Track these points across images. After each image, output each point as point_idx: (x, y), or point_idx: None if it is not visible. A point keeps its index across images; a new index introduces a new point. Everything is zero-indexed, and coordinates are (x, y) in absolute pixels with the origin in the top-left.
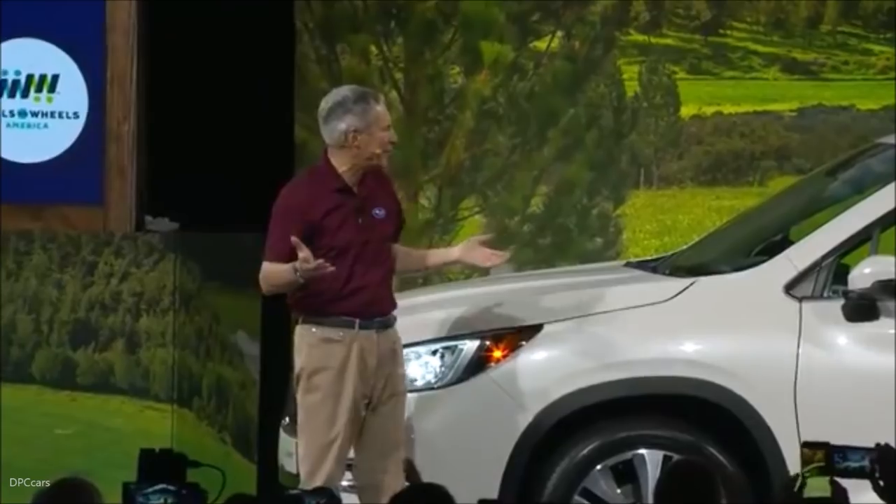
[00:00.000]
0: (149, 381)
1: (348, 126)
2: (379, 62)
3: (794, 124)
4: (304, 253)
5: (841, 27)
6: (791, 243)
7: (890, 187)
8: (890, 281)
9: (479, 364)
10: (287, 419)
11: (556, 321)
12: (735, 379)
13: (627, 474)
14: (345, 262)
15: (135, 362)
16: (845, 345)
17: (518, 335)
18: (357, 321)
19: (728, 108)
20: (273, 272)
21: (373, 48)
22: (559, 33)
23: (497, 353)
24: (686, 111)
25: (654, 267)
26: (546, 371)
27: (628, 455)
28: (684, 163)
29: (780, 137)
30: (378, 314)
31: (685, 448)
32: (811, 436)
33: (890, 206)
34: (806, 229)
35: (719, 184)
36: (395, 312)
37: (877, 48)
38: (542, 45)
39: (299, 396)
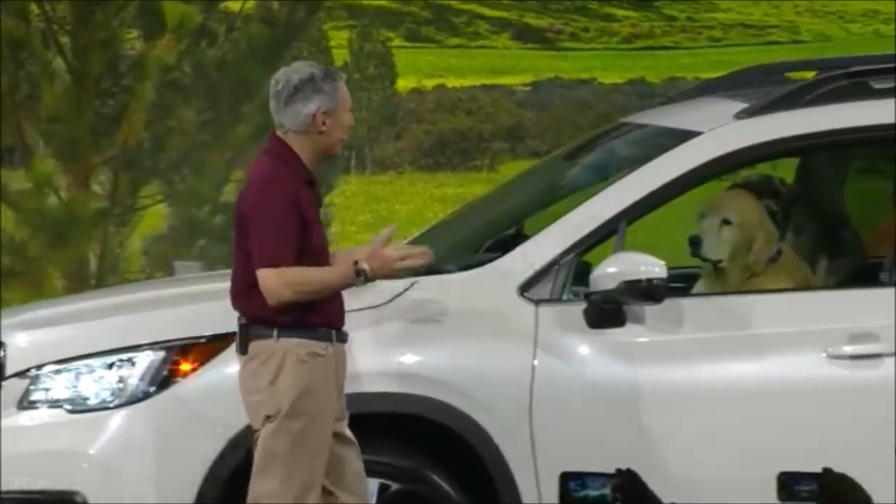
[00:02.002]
0: None
1: (318, 107)
2: (41, 23)
3: (528, 100)
4: (398, 251)
5: None
6: (526, 238)
7: (638, 173)
8: (638, 281)
9: (163, 379)
10: None
11: None
12: (462, 395)
13: None
14: (321, 266)
15: None
16: (588, 355)
17: (210, 345)
18: (334, 333)
19: (452, 81)
20: (306, 278)
21: (33, 7)
22: None
23: (185, 366)
24: (404, 84)
25: None
26: None
27: None
28: (402, 144)
29: (512, 115)
30: (343, 325)
31: (405, 476)
32: (550, 461)
33: (638, 195)
34: (543, 222)
35: (443, 168)
36: (61, 319)
37: (620, 13)
38: (234, 5)
39: (274, 426)
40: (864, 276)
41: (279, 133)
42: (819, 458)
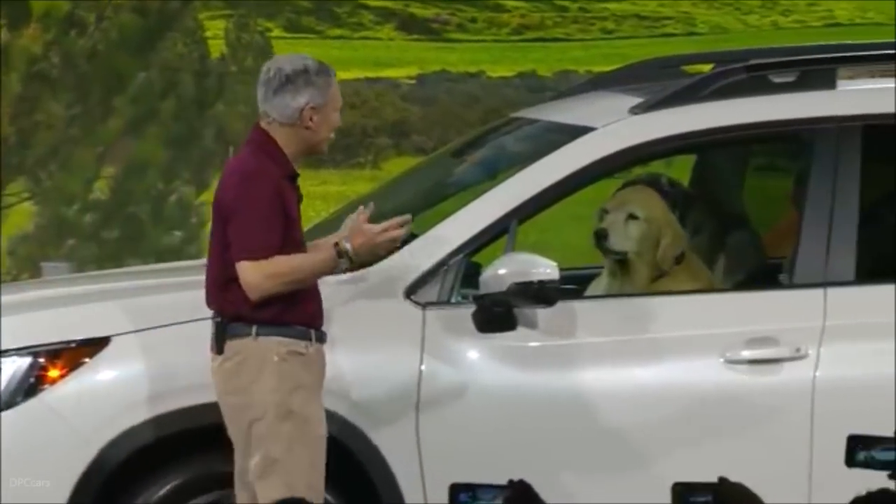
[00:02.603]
0: None
1: (307, 101)
2: None
3: (414, 94)
4: (378, 225)
5: None
6: (413, 237)
7: (529, 170)
8: (529, 283)
9: (30, 386)
10: None
11: (126, 333)
12: (345, 403)
13: None
14: None
15: None
16: (477, 360)
17: (79, 350)
18: (313, 332)
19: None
20: (289, 267)
21: None
22: None
23: (53, 373)
24: None
25: None
26: (114, 394)
27: (216, 495)
28: None
29: (397, 110)
30: (322, 325)
31: None
32: (438, 471)
33: (529, 193)
34: (430, 221)
35: (325, 166)
36: None
37: (509, 3)
38: None
39: (269, 427)
40: (763, 277)
41: (263, 124)
42: (715, 467)
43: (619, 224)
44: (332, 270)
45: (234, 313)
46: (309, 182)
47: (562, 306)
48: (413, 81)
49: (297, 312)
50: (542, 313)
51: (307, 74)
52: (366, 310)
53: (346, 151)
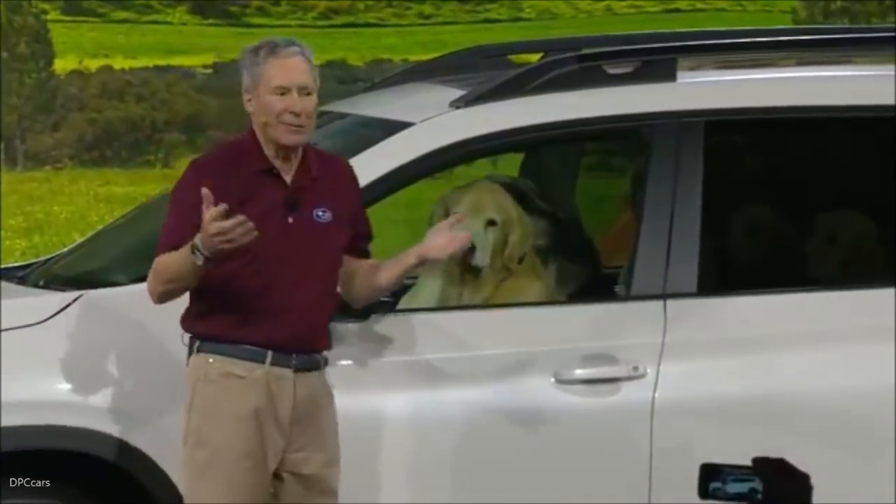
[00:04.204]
0: None
1: (245, 84)
2: None
3: (210, 84)
4: (216, 211)
5: None
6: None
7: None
8: (339, 294)
9: None
10: None
11: None
12: (131, 427)
13: None
14: (262, 272)
15: None
16: None
17: None
18: (269, 354)
19: (119, 62)
20: (163, 263)
21: None
22: None
23: None
24: (62, 65)
25: (23, 276)
26: None
27: None
28: (61, 135)
29: (191, 102)
30: (299, 349)
31: None
32: None
33: None
34: None
35: (109, 164)
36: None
37: None
38: None
39: (185, 452)
40: (597, 287)
41: None
42: (545, 497)
43: (481, 235)
44: (193, 266)
45: (186, 327)
46: (91, 183)
47: (376, 320)
48: (209, 70)
49: (244, 328)
50: (353, 328)
51: (243, 53)
52: (154, 323)
53: (133, 148)
